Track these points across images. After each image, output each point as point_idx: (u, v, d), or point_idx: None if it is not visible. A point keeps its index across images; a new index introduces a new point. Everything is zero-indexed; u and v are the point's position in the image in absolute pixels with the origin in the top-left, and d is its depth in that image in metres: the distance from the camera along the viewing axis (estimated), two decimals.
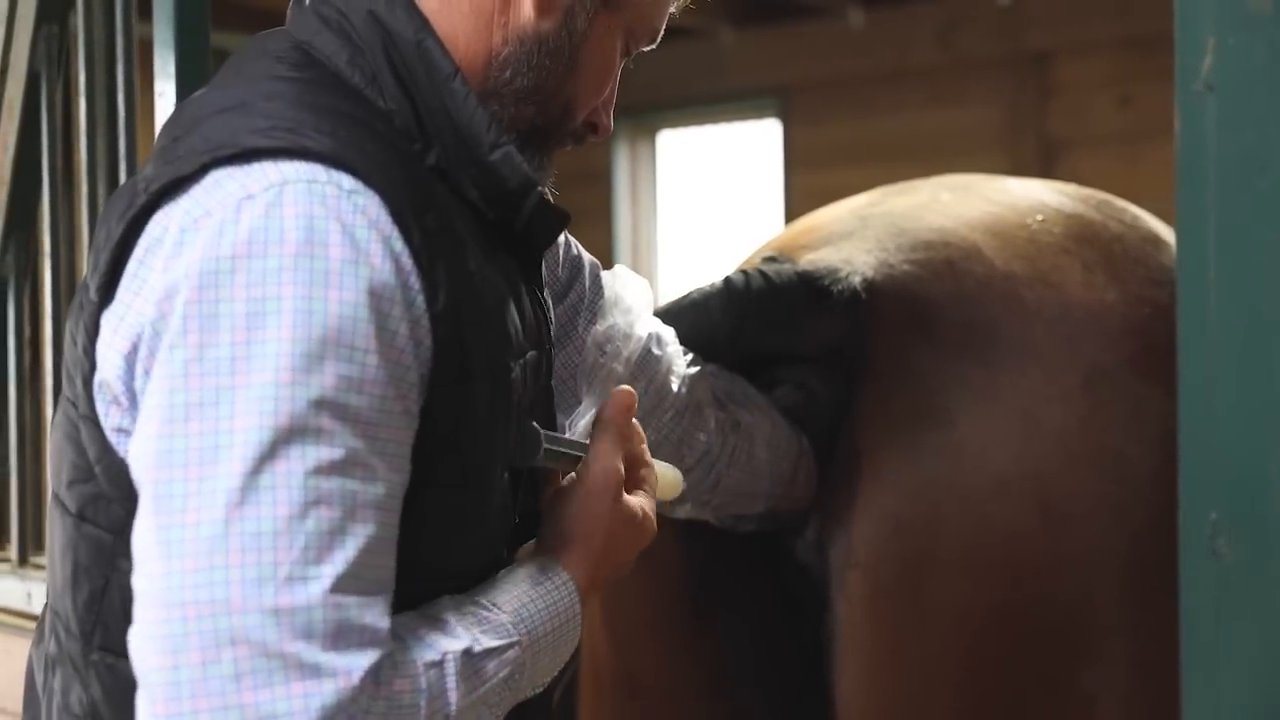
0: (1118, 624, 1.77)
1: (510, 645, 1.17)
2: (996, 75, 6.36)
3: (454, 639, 1.13)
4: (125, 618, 1.10)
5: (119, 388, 1.13)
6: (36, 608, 2.31)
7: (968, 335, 1.82)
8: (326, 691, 1.01)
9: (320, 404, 1.05)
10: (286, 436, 1.04)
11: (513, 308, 1.26)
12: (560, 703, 1.34)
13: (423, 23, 1.24)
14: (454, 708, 1.10)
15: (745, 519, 1.83)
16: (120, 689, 1.15)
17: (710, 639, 1.94)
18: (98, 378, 1.15)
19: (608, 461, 1.30)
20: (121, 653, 1.13)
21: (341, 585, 1.03)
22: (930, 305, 1.83)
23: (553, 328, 1.47)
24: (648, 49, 1.39)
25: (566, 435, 1.45)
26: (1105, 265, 1.90)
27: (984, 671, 1.79)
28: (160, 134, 1.26)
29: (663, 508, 1.70)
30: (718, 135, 7.82)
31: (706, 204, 7.80)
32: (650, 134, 7.87)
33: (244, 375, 1.05)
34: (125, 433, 1.14)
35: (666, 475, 1.54)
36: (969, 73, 6.41)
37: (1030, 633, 1.78)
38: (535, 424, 1.29)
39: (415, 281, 1.12)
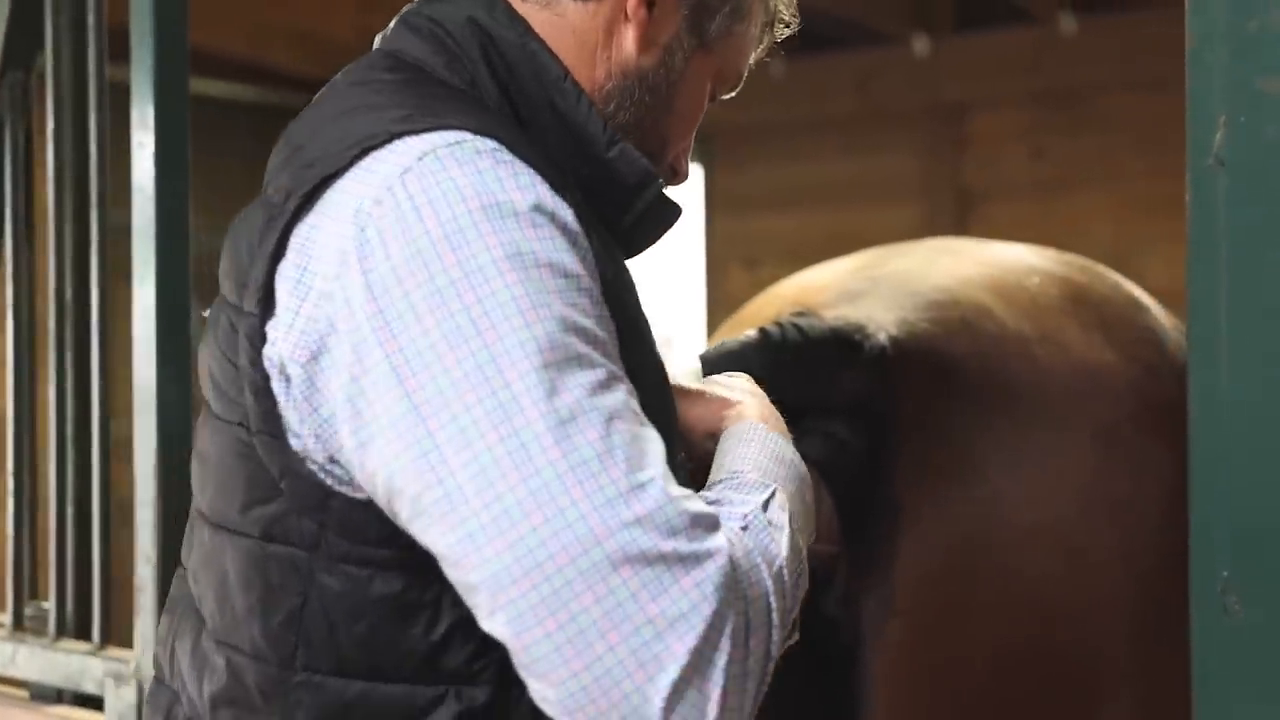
0: (1131, 666, 1.87)
1: (773, 491, 1.18)
2: (913, 125, 6.45)
3: (745, 502, 1.14)
4: (330, 631, 1.11)
5: (299, 395, 1.10)
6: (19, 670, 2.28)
7: (988, 390, 1.89)
8: (711, 572, 1.02)
9: (568, 330, 1.05)
10: (558, 371, 1.03)
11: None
12: None
13: (525, 28, 1.24)
14: (783, 549, 1.12)
15: None
16: (325, 707, 1.12)
17: None
18: (275, 388, 1.11)
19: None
20: (328, 670, 1.12)
21: (667, 481, 1.04)
22: (951, 361, 1.89)
23: None
24: (727, 96, 1.39)
25: None
26: (1099, 325, 2.00)
27: (1013, 713, 1.86)
28: (274, 155, 1.24)
29: None
30: None
31: None
32: None
33: (491, 331, 1.04)
34: (313, 438, 1.11)
35: None
36: (887, 122, 6.50)
37: (1056, 674, 1.86)
38: None
39: (583, 241, 1.11)
